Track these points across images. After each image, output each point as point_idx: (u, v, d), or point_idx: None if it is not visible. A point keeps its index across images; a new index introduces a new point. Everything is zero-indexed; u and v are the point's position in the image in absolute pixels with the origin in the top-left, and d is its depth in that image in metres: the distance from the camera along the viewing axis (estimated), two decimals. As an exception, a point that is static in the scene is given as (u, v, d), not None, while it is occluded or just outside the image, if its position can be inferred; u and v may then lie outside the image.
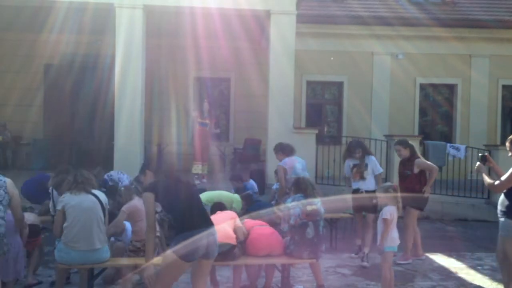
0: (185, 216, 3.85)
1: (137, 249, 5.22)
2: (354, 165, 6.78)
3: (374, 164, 6.81)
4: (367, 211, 6.72)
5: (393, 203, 5.10)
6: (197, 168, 10.30)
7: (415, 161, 6.78)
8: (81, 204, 4.62)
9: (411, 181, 6.73)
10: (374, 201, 6.12)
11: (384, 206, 5.14)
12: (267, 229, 5.21)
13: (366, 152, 6.90)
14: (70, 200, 4.63)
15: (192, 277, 4.05)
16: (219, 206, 5.65)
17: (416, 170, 6.73)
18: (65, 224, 4.59)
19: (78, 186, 4.72)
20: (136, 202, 5.33)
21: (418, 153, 7.09)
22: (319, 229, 5.07)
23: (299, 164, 7.05)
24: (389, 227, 5.01)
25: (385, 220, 5.02)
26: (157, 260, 5.14)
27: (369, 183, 6.72)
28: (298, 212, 5.03)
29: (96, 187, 5.06)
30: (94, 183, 4.93)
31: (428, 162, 7.12)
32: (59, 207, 4.65)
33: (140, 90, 9.92)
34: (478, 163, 4.89)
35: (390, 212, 5.04)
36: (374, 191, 6.27)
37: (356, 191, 6.79)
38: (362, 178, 6.70)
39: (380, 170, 6.86)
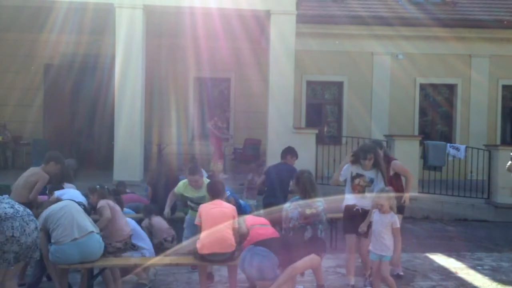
0: None
1: (117, 249, 5.16)
2: (358, 175, 5.50)
3: (380, 182, 5.48)
4: (360, 234, 5.42)
5: (392, 209, 4.99)
6: (220, 166, 11.07)
7: (391, 162, 6.01)
8: (57, 206, 4.86)
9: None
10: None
11: (384, 212, 4.94)
12: (267, 230, 5.16)
13: (378, 164, 5.52)
14: (46, 211, 4.84)
15: None
16: (215, 189, 5.26)
17: (391, 172, 5.93)
18: (50, 231, 4.71)
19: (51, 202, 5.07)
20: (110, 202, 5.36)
21: (393, 154, 6.39)
22: (317, 232, 4.98)
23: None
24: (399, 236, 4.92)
25: (397, 230, 4.89)
26: (157, 260, 5.17)
27: (367, 201, 5.40)
28: (296, 215, 4.98)
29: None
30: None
31: (405, 167, 6.19)
32: (39, 225, 4.42)
33: (140, 90, 9.93)
34: (510, 162, 4.80)
35: (398, 220, 4.96)
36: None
37: (351, 207, 5.54)
38: (362, 193, 5.48)
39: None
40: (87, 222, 4.81)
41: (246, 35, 12.03)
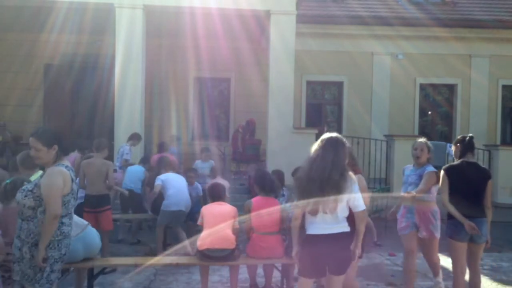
0: None
1: None
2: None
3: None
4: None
5: None
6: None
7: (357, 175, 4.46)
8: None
9: None
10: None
11: None
12: (269, 238, 5.00)
13: None
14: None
15: None
16: (217, 191, 5.31)
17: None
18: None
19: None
20: None
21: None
22: None
23: (408, 170, 5.34)
24: None
25: None
26: (157, 260, 5.16)
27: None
28: None
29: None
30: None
31: (366, 190, 4.36)
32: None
33: (140, 90, 9.93)
34: None
35: None
36: None
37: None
38: None
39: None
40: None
41: (246, 35, 12.04)
